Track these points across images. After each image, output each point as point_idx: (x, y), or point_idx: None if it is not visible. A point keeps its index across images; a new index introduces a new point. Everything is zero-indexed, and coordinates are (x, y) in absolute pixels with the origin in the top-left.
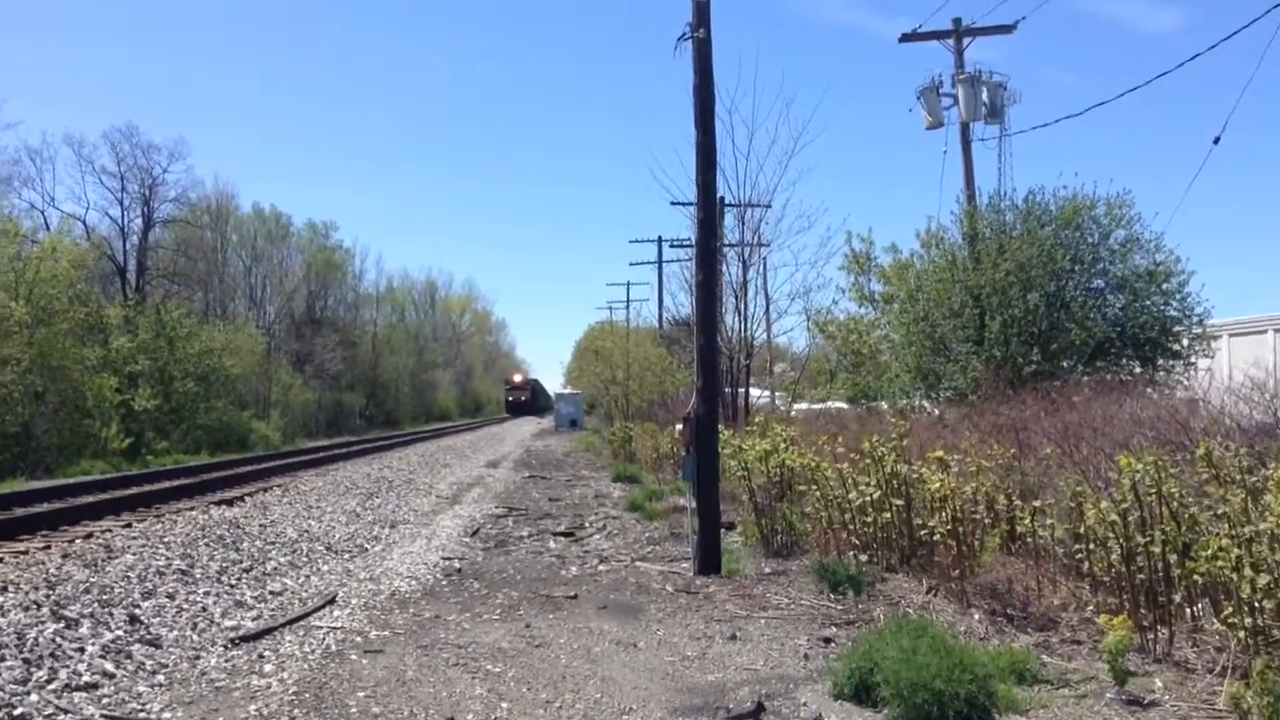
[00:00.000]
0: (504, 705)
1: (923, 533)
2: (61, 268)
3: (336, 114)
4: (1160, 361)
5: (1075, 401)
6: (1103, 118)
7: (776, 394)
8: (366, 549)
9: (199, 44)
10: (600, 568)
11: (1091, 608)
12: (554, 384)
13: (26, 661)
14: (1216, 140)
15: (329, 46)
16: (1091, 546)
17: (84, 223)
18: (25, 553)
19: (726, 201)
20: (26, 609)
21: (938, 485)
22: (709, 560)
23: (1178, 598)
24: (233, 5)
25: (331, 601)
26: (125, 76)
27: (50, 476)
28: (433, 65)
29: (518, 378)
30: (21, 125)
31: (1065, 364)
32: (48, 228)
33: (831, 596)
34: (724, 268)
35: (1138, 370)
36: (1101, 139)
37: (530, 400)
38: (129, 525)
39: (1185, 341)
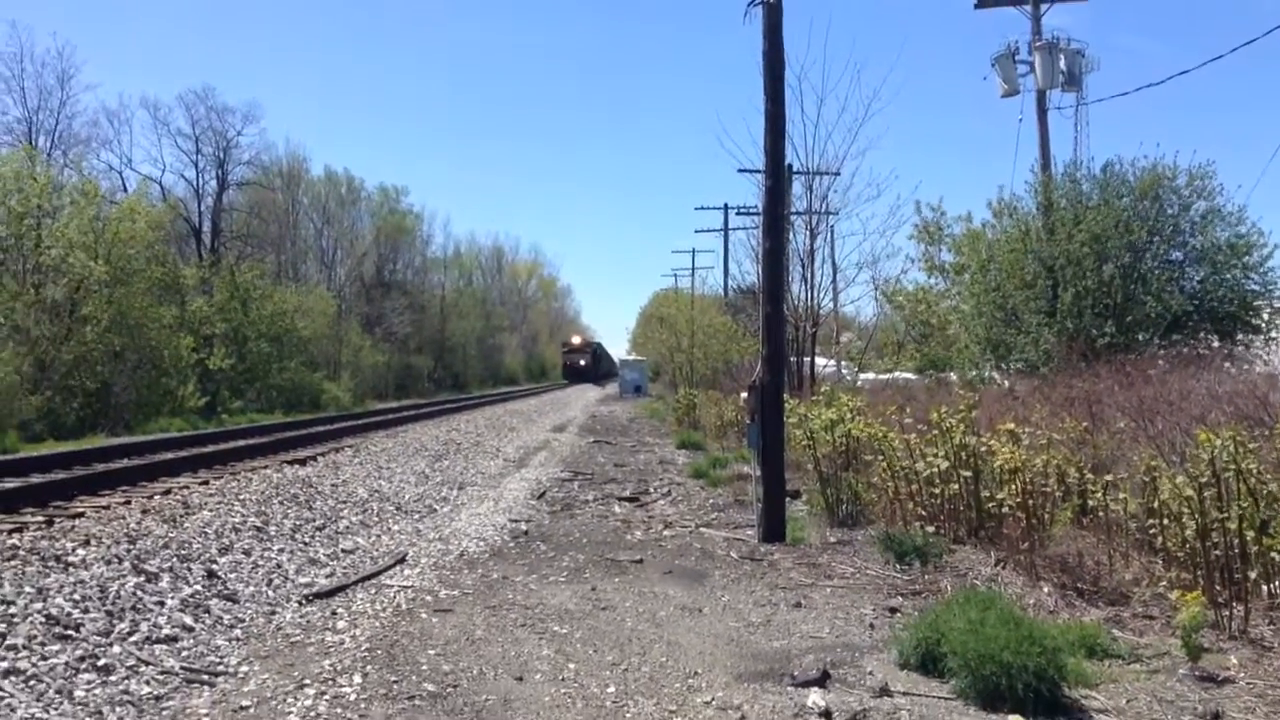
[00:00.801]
0: (571, 666)
1: (991, 505)
2: (139, 228)
3: (406, 80)
4: (1239, 336)
5: (1150, 375)
6: (1184, 87)
7: (843, 364)
8: (435, 510)
9: (273, 8)
10: (665, 533)
11: (1165, 583)
12: (619, 350)
13: (109, 614)
14: None
15: (400, 13)
16: (1165, 522)
17: (160, 184)
18: (107, 508)
19: (794, 169)
20: (109, 563)
21: (1008, 457)
22: (774, 528)
23: (1254, 574)
24: None
25: (402, 561)
26: (200, 40)
27: (129, 433)
28: (500, 33)
29: (576, 339)
30: (100, 88)
31: (1140, 337)
32: (125, 189)
33: (897, 567)
34: (791, 235)
35: (1216, 344)
36: (1183, 109)
37: (591, 365)
38: (206, 482)
39: (1266, 316)
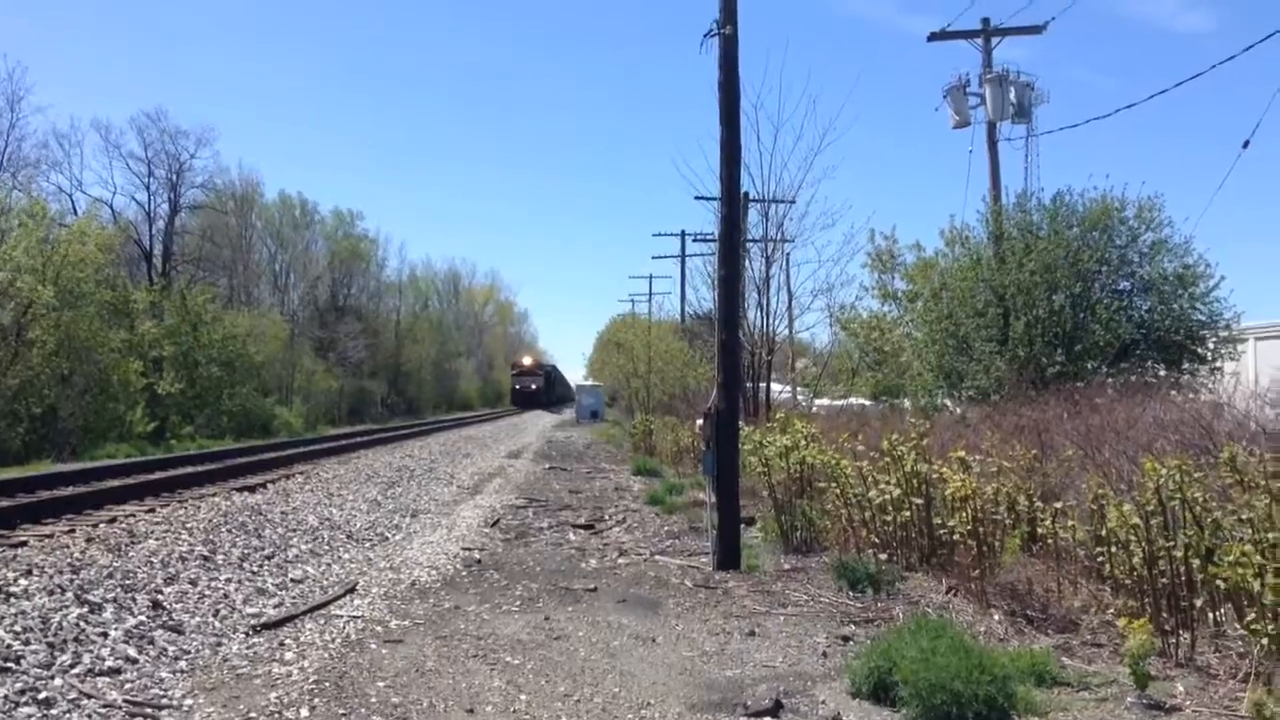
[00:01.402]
0: (522, 698)
1: (942, 532)
2: (89, 251)
3: (362, 104)
4: (1186, 365)
5: (1098, 403)
6: (1132, 120)
7: (799, 390)
8: (387, 538)
9: (227, 30)
10: (619, 561)
11: (1112, 611)
12: (576, 375)
13: (51, 645)
14: (1246, 144)
15: (355, 36)
16: (1113, 549)
17: (111, 207)
18: (50, 536)
19: (751, 196)
20: (51, 593)
21: (958, 485)
22: (728, 555)
23: (1200, 602)
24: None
25: (352, 590)
26: (153, 62)
27: (76, 458)
28: (457, 57)
29: (527, 360)
30: (50, 109)
31: (1089, 365)
32: (75, 211)
33: (851, 594)
34: (747, 263)
35: (1163, 373)
36: (1131, 141)
37: (544, 389)
38: (152, 510)
39: (1211, 345)
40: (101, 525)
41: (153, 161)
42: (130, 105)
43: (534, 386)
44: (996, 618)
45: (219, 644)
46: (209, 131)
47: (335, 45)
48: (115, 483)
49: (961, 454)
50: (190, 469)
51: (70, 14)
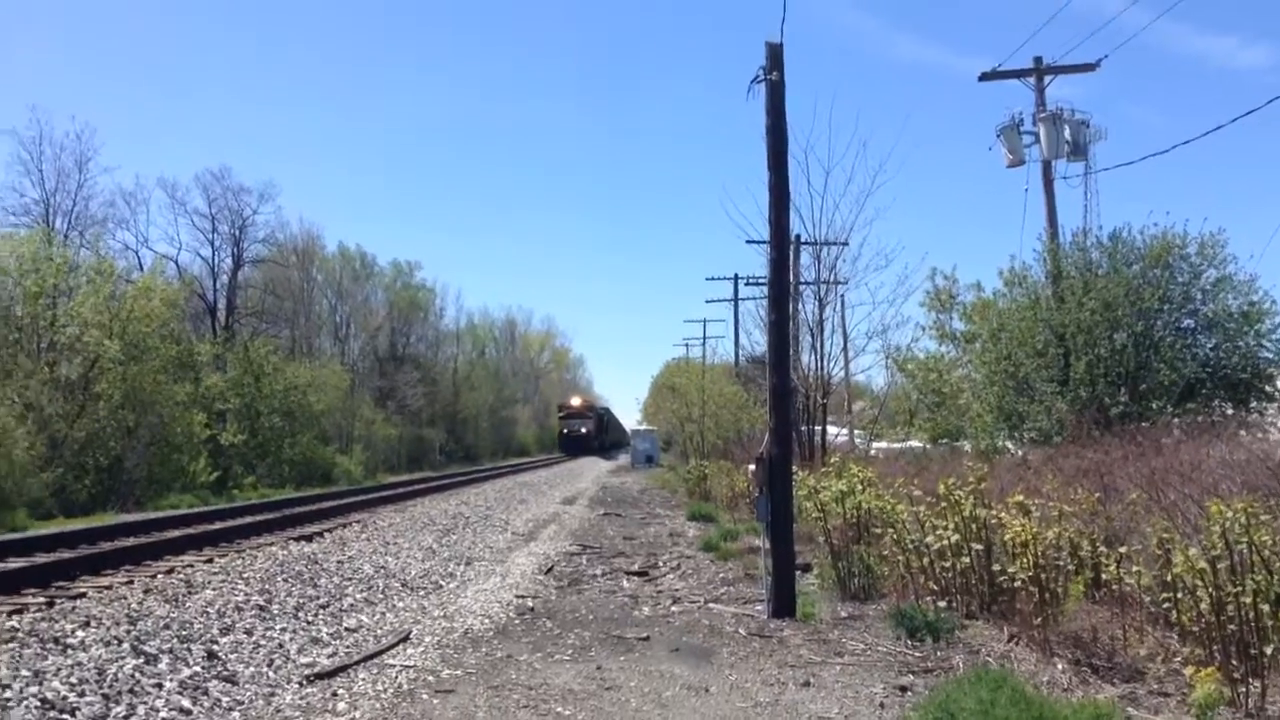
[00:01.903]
0: None
1: (1003, 579)
2: (154, 306)
3: (415, 156)
4: (1254, 403)
5: (1162, 444)
6: (1191, 156)
7: (856, 432)
8: (442, 586)
9: (288, 89)
10: (673, 609)
11: (1180, 659)
12: (630, 420)
13: (105, 697)
14: None
15: (408, 92)
16: (1180, 595)
17: (176, 262)
18: (109, 587)
19: (802, 239)
20: (108, 644)
21: (1018, 530)
22: (783, 603)
23: (1270, 650)
24: (319, 53)
25: (405, 639)
26: (216, 120)
27: (140, 509)
28: (507, 108)
29: (576, 401)
30: (117, 170)
31: (1154, 405)
32: (141, 268)
33: (909, 643)
34: (800, 305)
35: (1230, 412)
36: (1190, 178)
37: (595, 433)
38: (210, 560)
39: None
40: (160, 576)
41: (216, 218)
42: (194, 164)
43: (584, 430)
44: (1060, 667)
45: (272, 694)
46: (270, 187)
47: (389, 100)
48: (175, 533)
49: (1020, 498)
50: (249, 519)
51: (136, 75)
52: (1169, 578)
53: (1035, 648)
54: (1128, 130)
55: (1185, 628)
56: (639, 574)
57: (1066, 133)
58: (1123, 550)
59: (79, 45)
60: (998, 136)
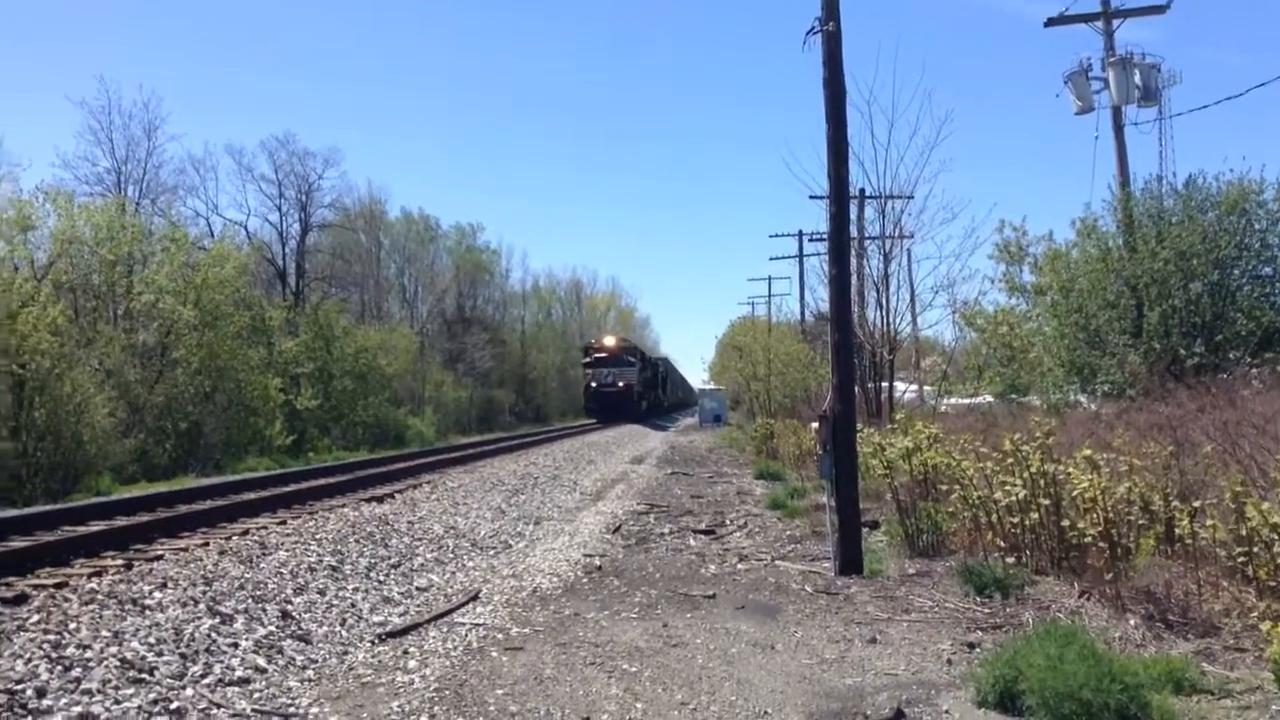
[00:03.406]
0: (639, 705)
1: (1073, 534)
2: (227, 273)
3: (479, 119)
4: None
5: (1236, 397)
6: (1270, 98)
7: (925, 388)
8: (510, 545)
9: (350, 53)
10: (739, 566)
11: (1256, 614)
12: (697, 380)
13: (183, 656)
14: None
15: (471, 51)
16: (1255, 549)
17: (245, 228)
18: (185, 549)
19: (866, 194)
20: (184, 605)
21: (1085, 485)
22: (850, 560)
23: None
24: (378, 17)
25: (475, 598)
26: (281, 87)
27: (219, 473)
28: (568, 66)
29: (610, 340)
30: (185, 137)
31: (1232, 355)
32: (212, 234)
33: (977, 599)
34: (865, 261)
35: None
36: (1269, 120)
37: (639, 388)
38: (284, 522)
39: None
40: (235, 538)
41: (283, 183)
42: (260, 130)
43: (620, 384)
44: (1132, 623)
45: (345, 653)
46: (335, 153)
47: (452, 61)
48: (250, 495)
49: (1089, 453)
50: (323, 480)
51: (200, 44)
52: (1244, 532)
53: (1106, 603)
54: (1204, 73)
55: (1261, 582)
56: (706, 532)
57: (1137, 77)
58: (1196, 504)
59: (140, 15)
60: (1066, 83)
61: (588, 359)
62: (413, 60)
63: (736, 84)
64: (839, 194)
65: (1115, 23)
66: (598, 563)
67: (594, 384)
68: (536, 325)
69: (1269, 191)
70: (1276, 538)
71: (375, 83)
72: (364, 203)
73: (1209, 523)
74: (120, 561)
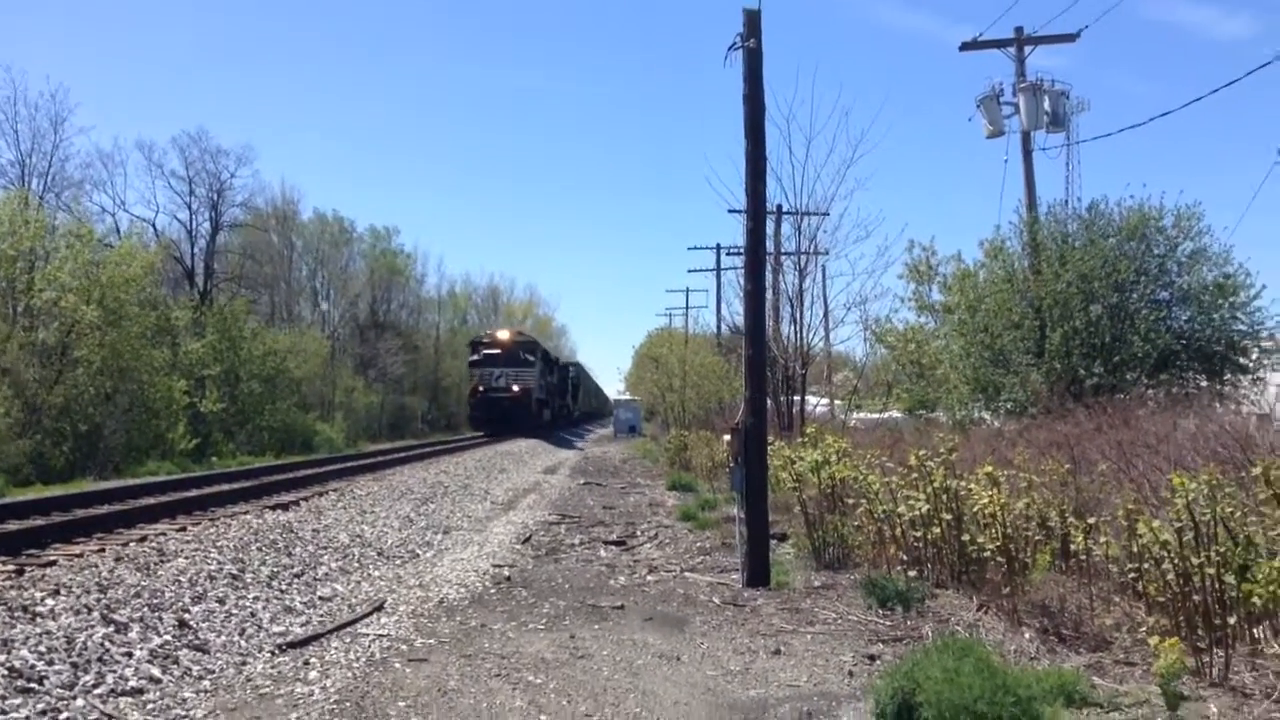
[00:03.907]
0: (543, 718)
1: (973, 549)
2: (133, 271)
3: (397, 120)
4: (1228, 375)
5: (1131, 417)
6: (1171, 127)
7: (836, 403)
8: (418, 555)
9: (267, 50)
10: (649, 578)
11: (1145, 629)
12: (613, 390)
13: (74, 665)
14: None
15: (393, 53)
16: (1146, 566)
17: (154, 225)
18: (80, 555)
19: (783, 209)
20: (77, 613)
21: (986, 501)
22: (757, 572)
23: (1234, 620)
24: (296, 14)
25: (380, 608)
26: (193, 83)
27: (119, 476)
28: (490, 73)
29: (503, 334)
30: (93, 130)
31: (1129, 377)
32: (118, 231)
33: (880, 612)
34: (780, 276)
35: (1204, 384)
36: (1169, 149)
37: (536, 394)
38: (184, 529)
39: (1254, 355)
40: (132, 544)
41: (194, 180)
42: (172, 126)
43: (514, 388)
44: (1028, 636)
45: (244, 663)
46: (249, 151)
47: (367, 65)
48: (150, 500)
49: (990, 469)
50: (226, 486)
51: (111, 37)
52: (1135, 549)
53: (1004, 617)
54: (1112, 100)
55: (1151, 598)
56: (617, 543)
57: (1046, 104)
58: (1090, 521)
59: (51, 6)
60: (978, 107)
61: (475, 356)
62: (330, 59)
63: (659, 95)
64: (756, 210)
65: (1027, 49)
66: (506, 573)
67: (481, 387)
68: (451, 332)
69: (1167, 218)
70: (1166, 555)
71: (290, 80)
72: (276, 203)
73: (1102, 539)
74: (11, 567)
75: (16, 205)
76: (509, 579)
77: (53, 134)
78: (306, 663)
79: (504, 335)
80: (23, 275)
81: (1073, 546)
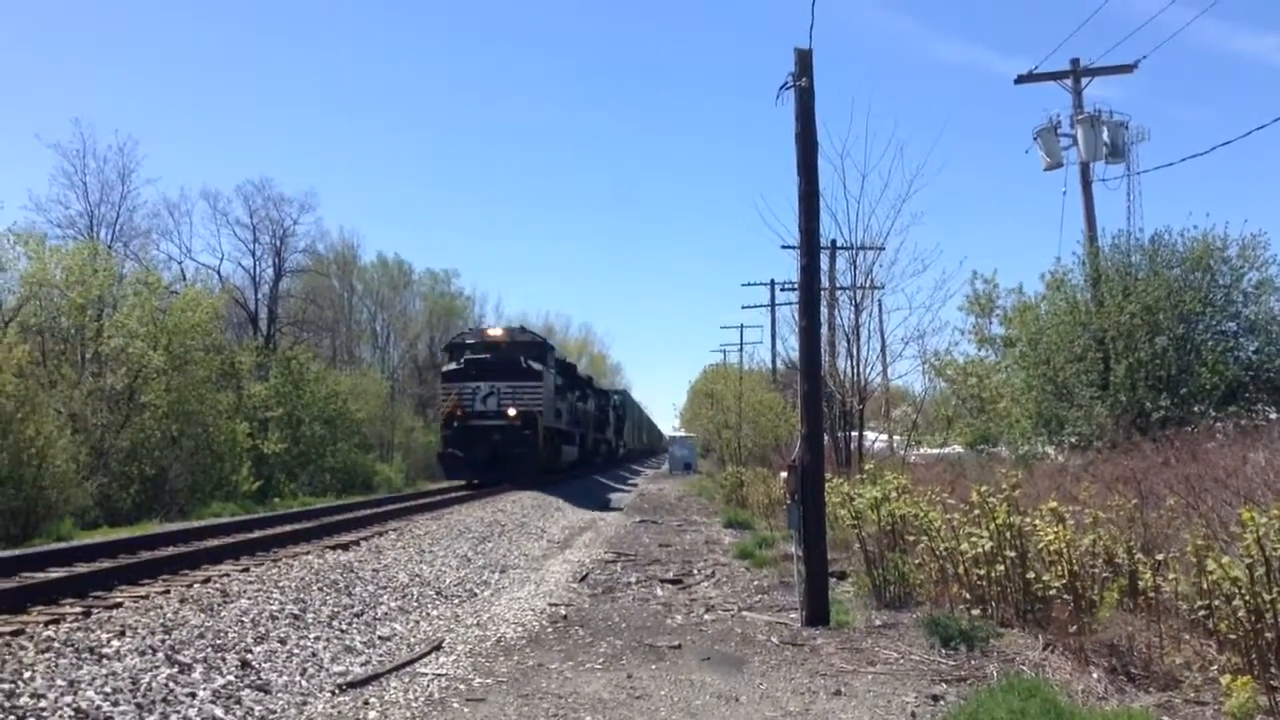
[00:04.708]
0: None
1: (1038, 586)
2: (198, 317)
3: (455, 163)
4: None
5: (1198, 451)
6: (1233, 156)
7: (895, 438)
8: (476, 594)
9: (327, 99)
10: (706, 617)
11: (1217, 667)
12: (668, 427)
13: (139, 706)
14: None
15: (448, 97)
16: (1216, 603)
17: (218, 273)
18: (145, 597)
19: (838, 244)
20: (142, 654)
21: (1051, 538)
22: (817, 611)
23: None
24: (351, 59)
25: (438, 648)
26: (257, 131)
27: (184, 518)
28: (545, 114)
29: (496, 331)
30: (160, 180)
31: (1196, 409)
32: (184, 278)
33: (943, 651)
34: (836, 311)
35: (1274, 416)
36: (1232, 178)
37: (530, 430)
38: (247, 569)
39: None
40: (196, 585)
41: (258, 228)
42: (235, 174)
43: (511, 412)
44: (1095, 675)
45: (304, 703)
46: (311, 197)
47: (424, 106)
48: (214, 542)
49: (1054, 505)
50: (288, 527)
51: (174, 87)
52: (1205, 585)
53: (1070, 656)
54: (1173, 130)
55: (1222, 635)
56: (673, 582)
57: (1105, 135)
58: (1159, 557)
59: (117, 58)
60: (1035, 139)
61: (452, 365)
62: (385, 102)
63: (711, 133)
64: (810, 246)
65: (1084, 81)
66: (563, 612)
67: (460, 410)
68: None
69: (1232, 248)
70: (1236, 591)
71: (353, 125)
72: (337, 248)
73: (1171, 576)
74: (79, 609)
75: (86, 256)
76: (566, 618)
77: (120, 185)
78: (366, 702)
79: (497, 333)
80: (92, 323)
81: (1141, 583)
